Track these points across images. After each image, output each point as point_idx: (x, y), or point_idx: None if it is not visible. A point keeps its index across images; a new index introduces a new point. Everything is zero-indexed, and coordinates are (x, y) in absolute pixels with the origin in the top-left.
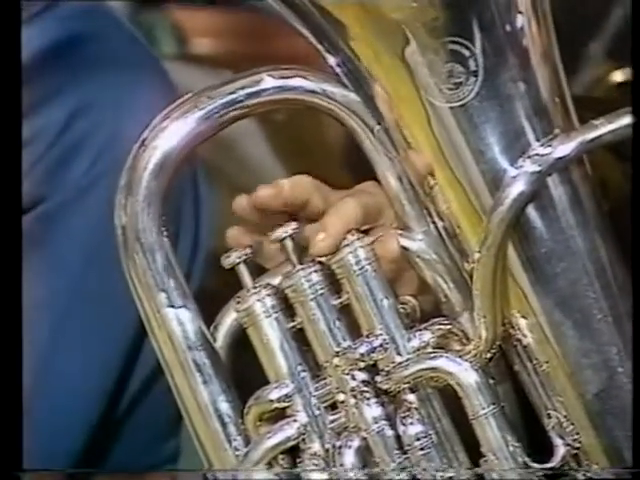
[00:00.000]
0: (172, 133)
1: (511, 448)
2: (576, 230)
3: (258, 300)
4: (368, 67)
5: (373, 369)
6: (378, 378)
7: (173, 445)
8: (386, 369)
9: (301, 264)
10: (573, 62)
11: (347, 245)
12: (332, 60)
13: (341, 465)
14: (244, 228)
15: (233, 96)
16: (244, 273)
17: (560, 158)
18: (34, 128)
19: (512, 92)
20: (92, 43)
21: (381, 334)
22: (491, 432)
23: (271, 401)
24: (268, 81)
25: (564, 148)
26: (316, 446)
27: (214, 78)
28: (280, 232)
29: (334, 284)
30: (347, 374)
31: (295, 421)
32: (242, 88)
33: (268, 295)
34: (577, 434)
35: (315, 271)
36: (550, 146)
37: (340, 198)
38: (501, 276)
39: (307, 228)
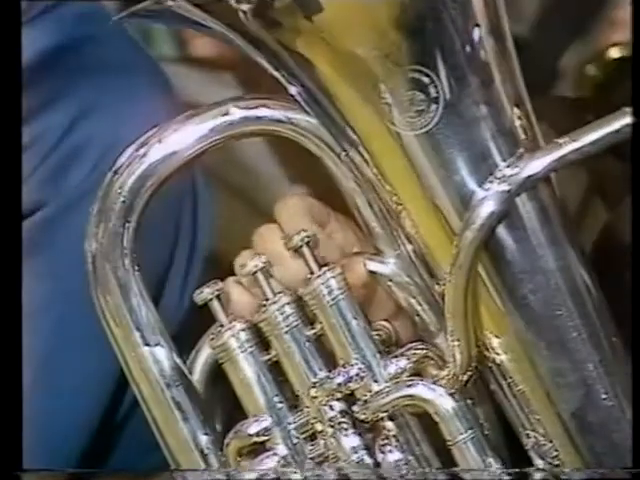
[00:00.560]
0: (144, 163)
1: (491, 471)
2: (547, 248)
3: (232, 336)
4: (330, 97)
5: (350, 398)
6: (356, 408)
7: None
8: (363, 398)
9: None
10: (570, 37)
11: (319, 277)
12: (293, 89)
13: None
14: None
15: (199, 129)
16: (217, 309)
17: (529, 177)
18: (34, 133)
19: (475, 115)
20: (91, 47)
21: (357, 363)
22: (470, 457)
23: (250, 435)
24: (234, 112)
25: (531, 167)
26: (296, 477)
27: (214, 81)
28: (251, 266)
29: (307, 315)
30: (325, 405)
31: (275, 454)
32: (208, 121)
33: (242, 330)
34: (557, 452)
35: (288, 304)
36: (517, 166)
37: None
38: (472, 297)
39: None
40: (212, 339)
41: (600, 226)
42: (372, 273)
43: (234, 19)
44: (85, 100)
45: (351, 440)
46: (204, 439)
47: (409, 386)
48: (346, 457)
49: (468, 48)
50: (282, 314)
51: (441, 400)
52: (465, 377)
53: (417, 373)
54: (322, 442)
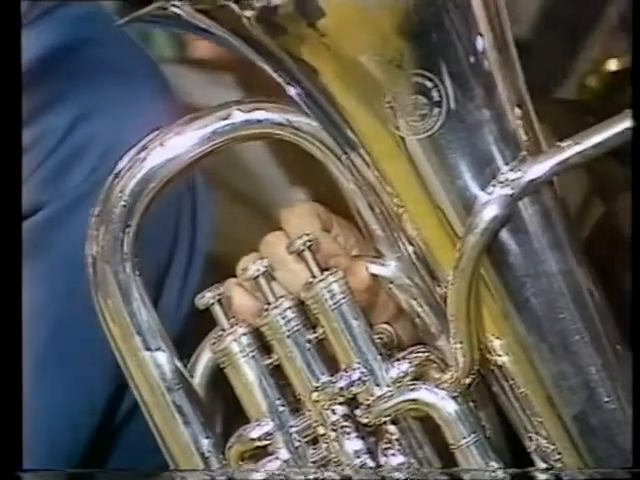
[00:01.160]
0: (144, 167)
1: (494, 475)
2: (549, 252)
3: (234, 340)
4: (332, 100)
5: (353, 402)
6: (358, 412)
7: None
8: (366, 402)
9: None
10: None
11: (321, 280)
12: (292, 91)
13: None
14: None
15: (201, 133)
16: (219, 313)
17: (532, 181)
18: (35, 134)
19: (478, 119)
20: (91, 48)
21: (359, 367)
22: (473, 460)
23: (252, 440)
24: (236, 115)
25: (534, 171)
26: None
27: (214, 82)
28: (252, 270)
29: (309, 319)
30: (327, 409)
31: (277, 459)
32: (209, 125)
33: (244, 334)
34: (559, 455)
35: (290, 308)
36: (520, 170)
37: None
38: (475, 300)
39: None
40: (213, 343)
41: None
42: (374, 276)
43: (238, 25)
44: (86, 102)
45: (353, 444)
46: (205, 443)
47: (412, 390)
48: (349, 461)
49: (471, 53)
50: (284, 318)
51: (444, 404)
52: (468, 380)
53: (419, 376)
54: (324, 446)
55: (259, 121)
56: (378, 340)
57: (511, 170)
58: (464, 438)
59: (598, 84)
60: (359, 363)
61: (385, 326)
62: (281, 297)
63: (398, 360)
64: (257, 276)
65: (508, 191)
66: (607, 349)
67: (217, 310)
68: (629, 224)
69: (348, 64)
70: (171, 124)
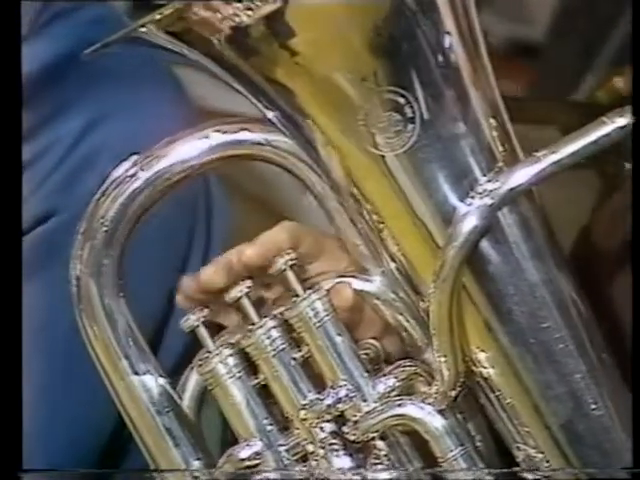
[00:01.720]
0: (127, 190)
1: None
2: (530, 261)
3: (220, 362)
4: (307, 120)
5: (340, 419)
6: (346, 428)
7: None
8: (353, 419)
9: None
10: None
11: (304, 299)
12: (270, 114)
13: None
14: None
15: (179, 157)
16: (204, 335)
17: (510, 190)
18: (46, 141)
19: (453, 132)
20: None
21: (345, 384)
22: (462, 473)
23: (242, 460)
24: (215, 137)
25: (512, 180)
26: None
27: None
28: (235, 292)
29: (294, 337)
30: (315, 426)
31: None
32: (188, 147)
33: (230, 355)
34: (548, 463)
35: (274, 327)
36: (497, 180)
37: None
38: (457, 312)
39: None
40: (200, 365)
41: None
42: (359, 292)
43: (209, 47)
44: (97, 108)
45: (342, 461)
46: (196, 464)
47: (398, 405)
48: (337, 478)
49: (443, 66)
50: (269, 338)
51: (430, 418)
52: (454, 393)
53: (407, 391)
54: (314, 463)
55: (239, 142)
56: (364, 356)
57: (489, 181)
58: (451, 451)
59: (607, 100)
60: (345, 380)
61: (372, 341)
62: (265, 317)
63: (385, 375)
64: (239, 298)
65: (487, 201)
66: (592, 356)
67: (202, 332)
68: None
69: (322, 83)
70: (153, 146)
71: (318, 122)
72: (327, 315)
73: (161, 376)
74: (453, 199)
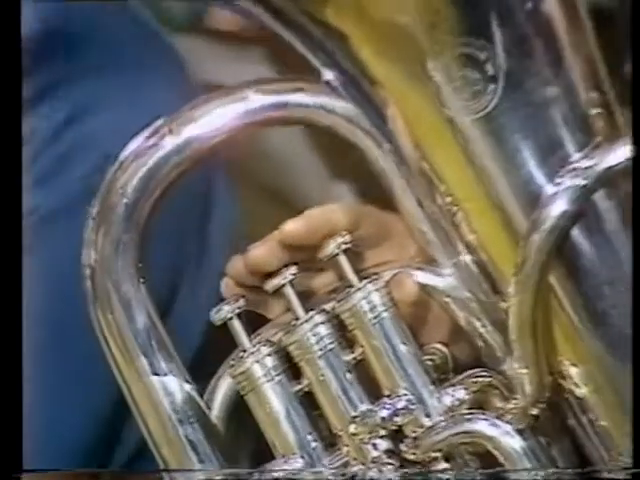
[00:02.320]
0: (152, 156)
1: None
2: (630, 255)
3: (256, 361)
4: (369, 77)
5: (398, 435)
6: (403, 446)
7: None
8: (413, 435)
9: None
10: None
11: (359, 290)
12: (329, 74)
13: None
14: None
15: (219, 116)
16: (238, 330)
17: (608, 169)
18: (30, 127)
19: (542, 97)
20: (94, 30)
21: (405, 393)
22: None
23: None
24: (253, 99)
25: (611, 158)
26: None
27: (238, 57)
28: (278, 279)
29: (346, 336)
30: (367, 443)
31: None
32: (229, 106)
33: (268, 355)
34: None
35: (322, 322)
36: (594, 157)
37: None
38: (543, 315)
39: None
40: (232, 366)
41: None
42: (424, 287)
43: None
44: (85, 93)
45: None
46: None
47: (468, 421)
48: None
49: (532, 16)
50: (315, 335)
51: (507, 439)
52: (535, 410)
53: (478, 405)
54: None
55: (285, 104)
56: (429, 362)
57: (583, 157)
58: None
59: None
60: (405, 389)
61: (439, 346)
62: (311, 310)
63: (453, 386)
64: (283, 285)
65: (580, 182)
66: None
67: (236, 326)
68: None
69: (384, 30)
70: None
71: (380, 79)
72: (385, 310)
73: (187, 381)
74: (539, 177)
